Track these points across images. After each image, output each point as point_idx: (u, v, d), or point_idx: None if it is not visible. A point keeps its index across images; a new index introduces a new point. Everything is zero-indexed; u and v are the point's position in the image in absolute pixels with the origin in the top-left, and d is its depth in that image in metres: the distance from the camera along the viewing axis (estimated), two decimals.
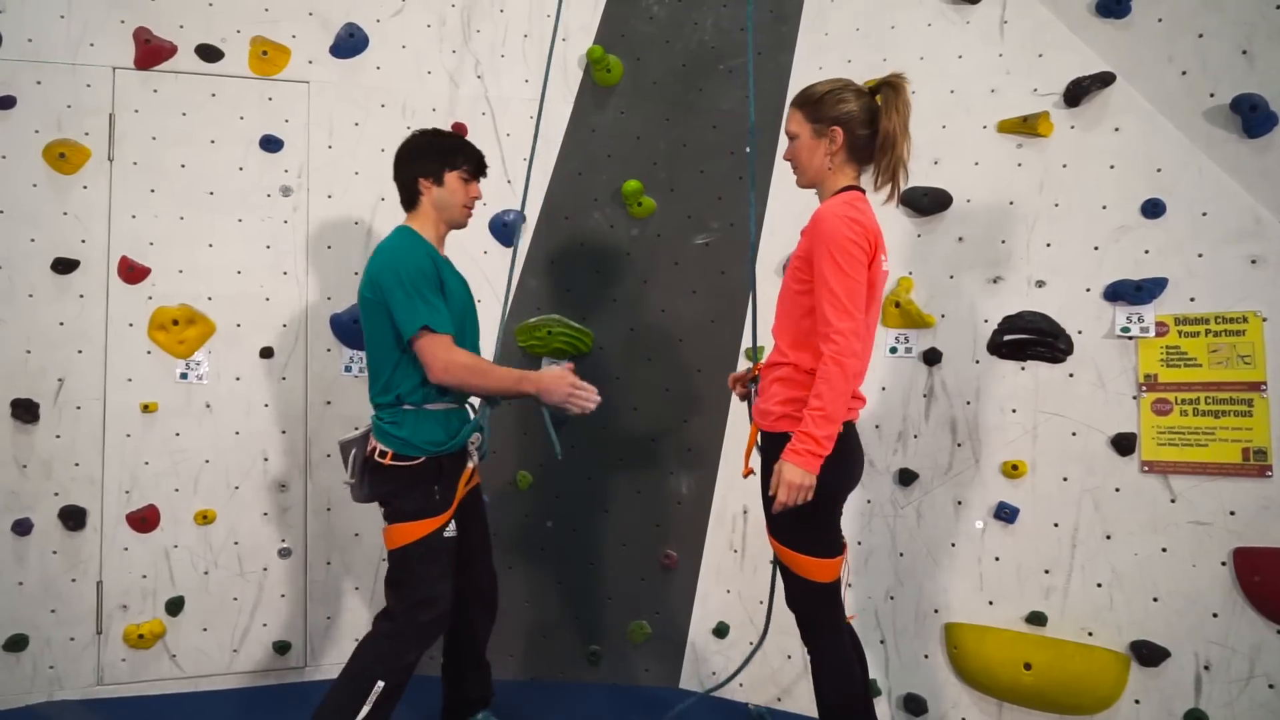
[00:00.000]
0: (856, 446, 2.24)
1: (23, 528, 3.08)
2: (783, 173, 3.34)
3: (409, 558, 2.35)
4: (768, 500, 2.15)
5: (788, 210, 3.31)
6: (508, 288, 3.27)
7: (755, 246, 3.06)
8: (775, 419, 2.18)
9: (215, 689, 3.23)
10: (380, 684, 2.25)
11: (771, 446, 2.20)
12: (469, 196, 2.59)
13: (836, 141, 2.17)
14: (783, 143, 3.32)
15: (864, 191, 2.21)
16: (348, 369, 3.37)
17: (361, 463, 2.43)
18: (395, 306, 2.32)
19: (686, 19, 3.53)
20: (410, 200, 2.56)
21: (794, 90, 3.34)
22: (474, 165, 2.60)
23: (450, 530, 2.41)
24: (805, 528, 2.15)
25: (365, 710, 2.23)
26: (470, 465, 2.50)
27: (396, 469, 2.35)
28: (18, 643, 3.05)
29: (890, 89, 2.14)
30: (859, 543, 3.03)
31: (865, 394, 3.04)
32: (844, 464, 2.14)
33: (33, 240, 3.14)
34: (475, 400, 2.58)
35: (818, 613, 2.23)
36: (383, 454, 2.36)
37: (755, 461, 2.38)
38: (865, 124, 2.16)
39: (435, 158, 2.54)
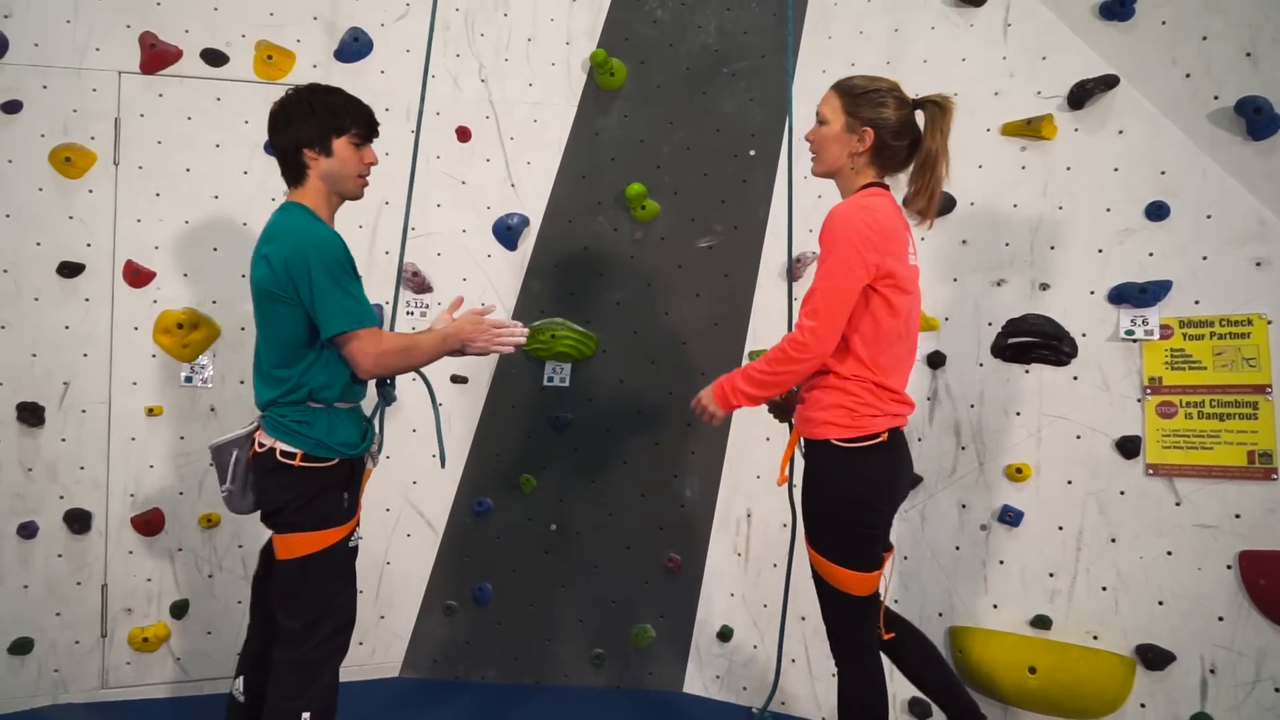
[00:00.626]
0: (898, 459, 2.14)
1: (28, 531, 3.08)
2: (785, 176, 3.34)
3: (310, 570, 2.10)
4: (808, 508, 2.13)
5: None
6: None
7: (790, 242, 3.02)
8: (817, 425, 2.11)
9: (219, 692, 3.22)
10: (306, 715, 2.05)
11: (814, 454, 2.15)
12: (363, 164, 2.27)
13: (865, 143, 2.11)
14: (793, 145, 3.36)
15: (886, 188, 2.15)
16: None
17: (245, 467, 2.17)
18: (318, 300, 2.05)
19: (690, 23, 3.53)
20: (295, 174, 2.22)
21: (797, 93, 3.36)
22: (364, 126, 2.27)
23: (355, 538, 2.21)
24: (841, 538, 2.10)
25: None
26: (369, 469, 2.31)
27: (306, 471, 2.09)
28: (23, 646, 3.06)
29: (937, 108, 2.08)
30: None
31: None
32: (879, 475, 2.08)
33: (38, 244, 3.15)
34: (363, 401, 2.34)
35: (849, 627, 2.15)
36: (289, 455, 2.08)
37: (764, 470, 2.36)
38: (897, 134, 2.11)
39: (319, 123, 2.19)
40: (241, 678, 2.29)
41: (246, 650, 2.34)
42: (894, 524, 2.97)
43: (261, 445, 2.13)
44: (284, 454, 2.10)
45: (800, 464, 2.23)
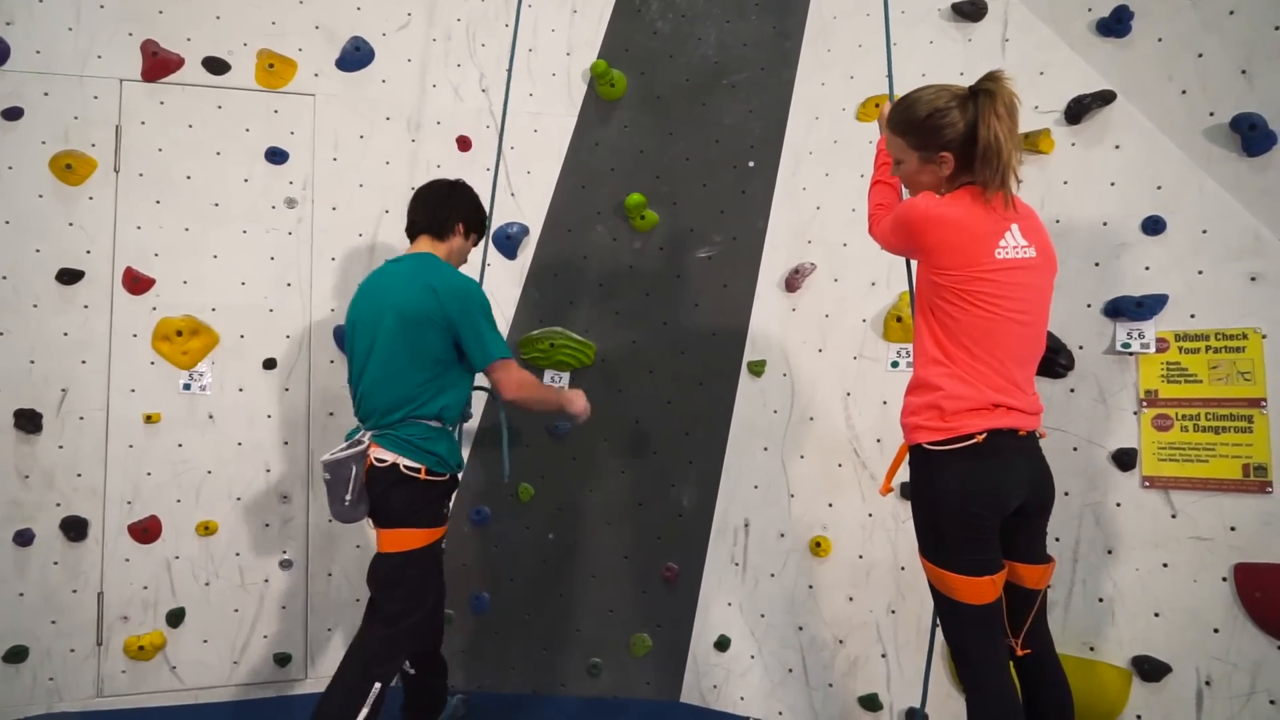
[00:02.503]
0: (999, 463, 1.98)
1: (24, 538, 3.08)
2: (785, 189, 3.37)
3: (411, 563, 2.41)
4: (913, 514, 2.08)
5: (790, 226, 3.33)
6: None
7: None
8: (910, 430, 2.06)
9: (215, 701, 3.22)
10: (378, 685, 2.32)
11: (913, 460, 2.08)
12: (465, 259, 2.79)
13: (948, 166, 2.05)
14: (784, 159, 3.39)
15: (981, 186, 2.03)
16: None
17: (361, 480, 2.38)
18: (476, 334, 2.45)
19: (690, 34, 3.55)
20: (441, 232, 2.65)
21: (796, 106, 3.39)
22: (479, 237, 2.82)
23: (444, 543, 2.57)
24: (941, 540, 2.00)
25: (364, 713, 2.28)
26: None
27: (427, 484, 2.42)
28: (18, 654, 3.05)
29: (985, 95, 1.97)
30: (860, 556, 3.04)
31: (868, 409, 3.07)
32: (973, 480, 1.96)
33: (38, 251, 3.15)
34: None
35: (968, 642, 2.01)
36: (413, 469, 2.39)
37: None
38: (973, 138, 2.00)
39: (477, 218, 2.75)
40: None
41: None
42: (892, 534, 3.00)
43: (381, 460, 2.39)
44: (408, 468, 2.39)
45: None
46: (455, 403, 2.52)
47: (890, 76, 2.71)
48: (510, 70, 3.22)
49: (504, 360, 2.49)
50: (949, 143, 2.02)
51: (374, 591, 2.45)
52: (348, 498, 2.37)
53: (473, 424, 3.45)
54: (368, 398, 2.48)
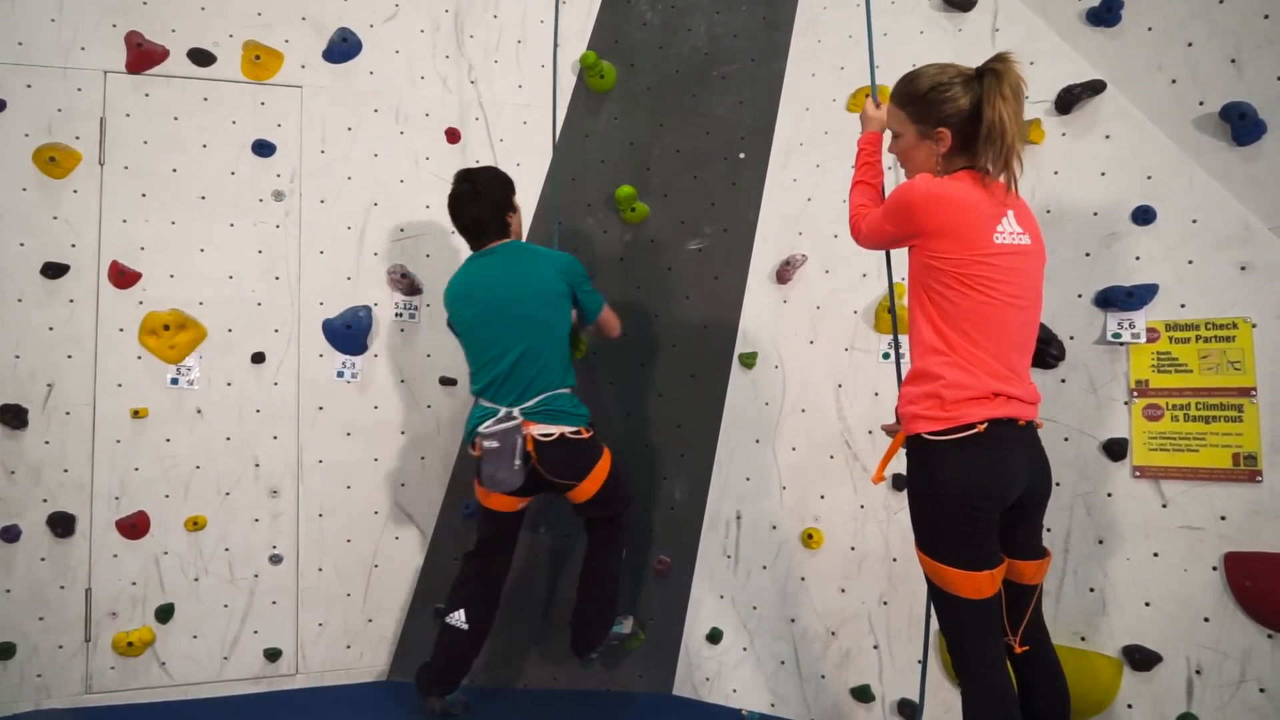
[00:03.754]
0: (1000, 454, 1.96)
1: (11, 534, 3.05)
2: (775, 180, 3.36)
3: (611, 482, 2.93)
4: (910, 505, 2.06)
5: (780, 217, 3.32)
6: None
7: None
8: (910, 420, 2.03)
9: (205, 697, 3.21)
10: (625, 551, 3.07)
11: (910, 450, 2.06)
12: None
13: (944, 143, 2.04)
14: (775, 150, 3.37)
15: (980, 171, 2.02)
16: (340, 374, 3.36)
17: (524, 448, 2.76)
18: (588, 294, 2.96)
19: (680, 25, 3.54)
20: (501, 229, 2.96)
21: (787, 96, 3.38)
22: (515, 206, 3.07)
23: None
24: (938, 533, 1.98)
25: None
26: None
27: (590, 440, 2.90)
28: (5, 651, 3.02)
29: (992, 76, 1.95)
30: (852, 548, 3.04)
31: (859, 400, 3.07)
32: (973, 470, 1.93)
33: (22, 244, 3.12)
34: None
35: (966, 636, 1.99)
36: (576, 432, 2.85)
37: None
38: (975, 118, 1.99)
39: (510, 198, 2.99)
40: (463, 610, 2.94)
41: (468, 587, 2.99)
42: (883, 525, 3.00)
43: (548, 435, 2.79)
44: (572, 434, 2.82)
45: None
46: (571, 369, 2.95)
47: (872, 66, 2.70)
48: (555, 66, 3.41)
49: (605, 306, 3.03)
50: (947, 118, 2.01)
51: (595, 513, 2.97)
52: (517, 463, 2.73)
53: (462, 414, 3.43)
54: (510, 377, 2.81)
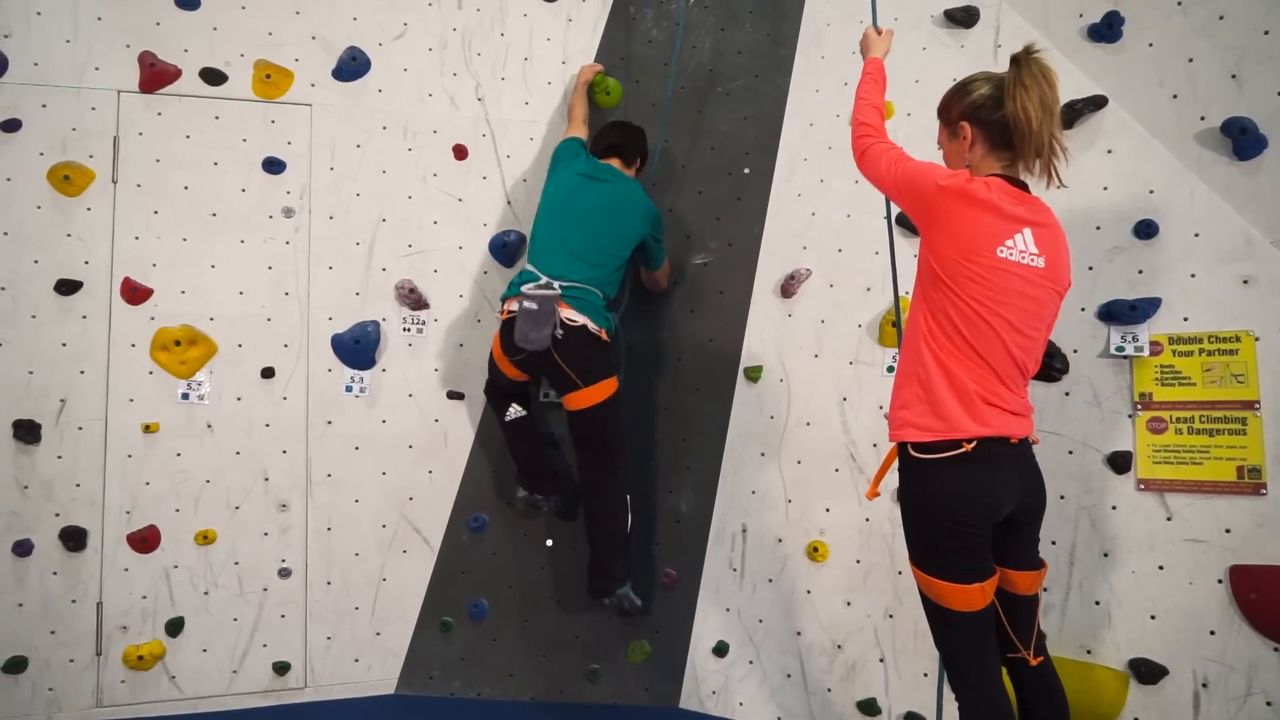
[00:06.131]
0: (990, 473, 1.94)
1: (23, 549, 3.08)
2: (780, 195, 3.39)
3: (611, 406, 3.09)
4: (906, 525, 2.05)
5: (785, 232, 3.35)
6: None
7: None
8: (898, 425, 2.03)
9: (214, 710, 3.22)
10: (628, 496, 3.19)
11: (904, 468, 2.05)
12: None
13: (967, 137, 2.02)
14: (779, 165, 3.41)
15: (1015, 182, 1.99)
16: (349, 389, 3.39)
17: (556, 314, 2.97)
18: (659, 245, 3.27)
19: (685, 42, 3.57)
20: (629, 162, 3.33)
21: (791, 111, 3.41)
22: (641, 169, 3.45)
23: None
24: (927, 546, 1.99)
25: (629, 519, 3.18)
26: None
27: (607, 344, 3.12)
28: (17, 664, 3.05)
29: (1013, 66, 1.91)
30: (857, 561, 3.05)
31: (864, 414, 3.08)
32: (962, 490, 1.92)
33: (36, 262, 3.16)
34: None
35: (959, 649, 1.99)
36: (598, 331, 3.05)
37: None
38: (999, 108, 1.95)
39: (645, 158, 3.42)
40: (514, 404, 3.24)
41: (507, 391, 3.26)
42: (889, 538, 3.00)
43: (572, 320, 2.99)
44: (594, 329, 3.03)
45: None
46: (618, 294, 3.27)
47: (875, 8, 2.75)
48: (674, 75, 3.57)
49: (666, 263, 3.37)
50: (965, 110, 2.01)
51: (589, 441, 3.12)
52: (549, 329, 2.94)
53: (469, 428, 3.46)
54: (569, 258, 3.06)
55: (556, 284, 3.02)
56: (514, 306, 3.03)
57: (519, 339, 2.98)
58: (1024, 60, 1.91)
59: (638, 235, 3.17)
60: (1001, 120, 1.96)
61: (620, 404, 3.16)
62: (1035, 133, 1.90)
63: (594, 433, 3.11)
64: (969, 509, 1.93)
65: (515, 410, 3.23)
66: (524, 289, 3.02)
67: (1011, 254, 1.93)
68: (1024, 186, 2.02)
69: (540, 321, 2.96)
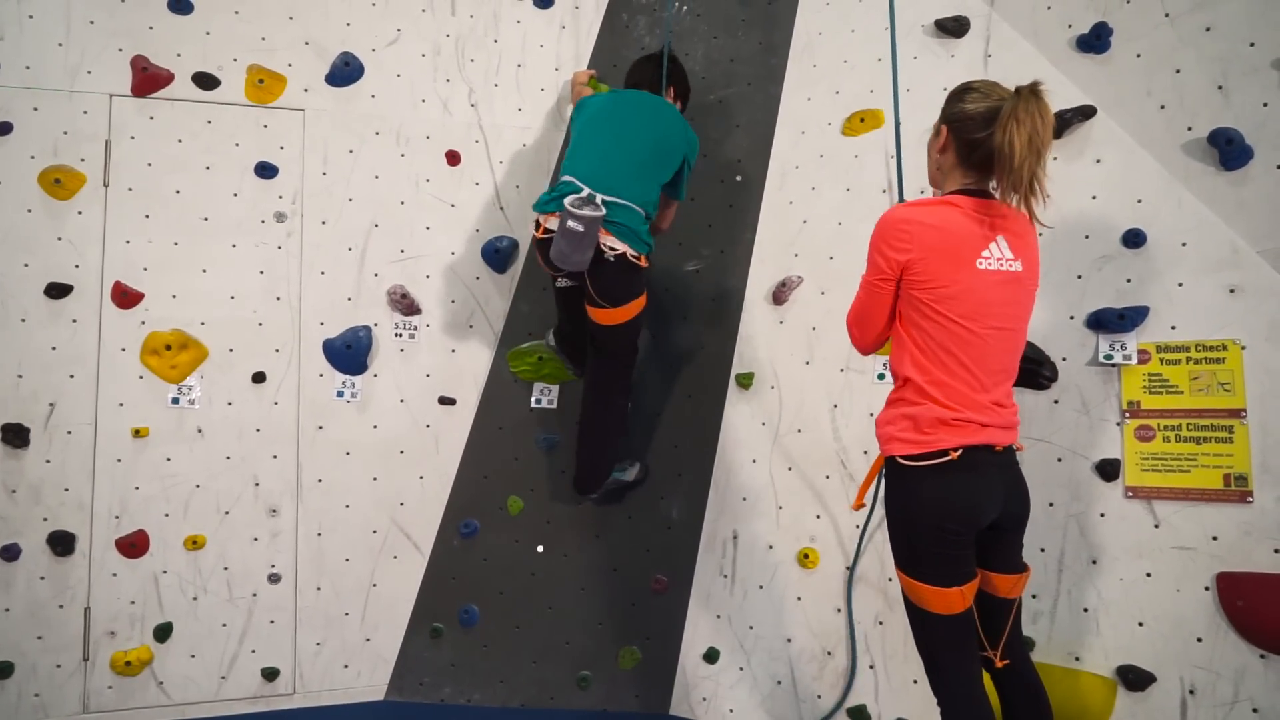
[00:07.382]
0: (975, 480, 1.98)
1: (10, 553, 3.06)
2: (771, 202, 3.40)
3: (635, 322, 3.02)
4: (890, 529, 2.07)
5: (776, 239, 3.36)
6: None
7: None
8: (886, 441, 2.06)
9: (203, 716, 3.21)
10: (627, 402, 3.22)
11: (889, 475, 2.08)
12: None
13: (941, 138, 2.04)
14: (771, 173, 3.42)
15: (977, 195, 2.02)
16: (340, 394, 3.39)
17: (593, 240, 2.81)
18: (685, 178, 3.13)
19: (677, 50, 3.58)
20: (678, 96, 3.30)
21: (783, 120, 3.43)
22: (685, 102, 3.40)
23: None
24: (911, 549, 2.02)
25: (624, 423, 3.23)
26: None
27: (643, 270, 2.96)
28: (3, 670, 3.03)
29: (1015, 96, 1.89)
30: (848, 568, 3.05)
31: (855, 421, 3.09)
32: (947, 495, 1.95)
33: (26, 265, 3.15)
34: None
35: (939, 652, 2.02)
36: (637, 257, 2.90)
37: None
38: (980, 128, 1.95)
39: (685, 87, 3.36)
40: (551, 330, 3.36)
41: (563, 331, 3.30)
42: (879, 545, 3.01)
43: (614, 248, 2.84)
44: (633, 256, 2.89)
45: None
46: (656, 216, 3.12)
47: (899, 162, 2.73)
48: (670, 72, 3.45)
49: (679, 201, 3.24)
50: (949, 116, 2.02)
51: (610, 347, 3.08)
52: (594, 253, 2.81)
53: (461, 434, 3.46)
54: (613, 170, 2.90)
55: (600, 197, 2.82)
56: (552, 224, 2.83)
57: (556, 258, 2.83)
58: (1025, 95, 1.89)
59: (679, 153, 3.04)
60: (980, 142, 1.97)
61: (640, 323, 3.09)
62: (1016, 169, 1.89)
63: (616, 341, 3.06)
64: (953, 515, 1.96)
65: (565, 281, 3.11)
66: (567, 202, 2.78)
67: (989, 263, 1.98)
68: (989, 197, 2.04)
69: (584, 245, 2.79)
